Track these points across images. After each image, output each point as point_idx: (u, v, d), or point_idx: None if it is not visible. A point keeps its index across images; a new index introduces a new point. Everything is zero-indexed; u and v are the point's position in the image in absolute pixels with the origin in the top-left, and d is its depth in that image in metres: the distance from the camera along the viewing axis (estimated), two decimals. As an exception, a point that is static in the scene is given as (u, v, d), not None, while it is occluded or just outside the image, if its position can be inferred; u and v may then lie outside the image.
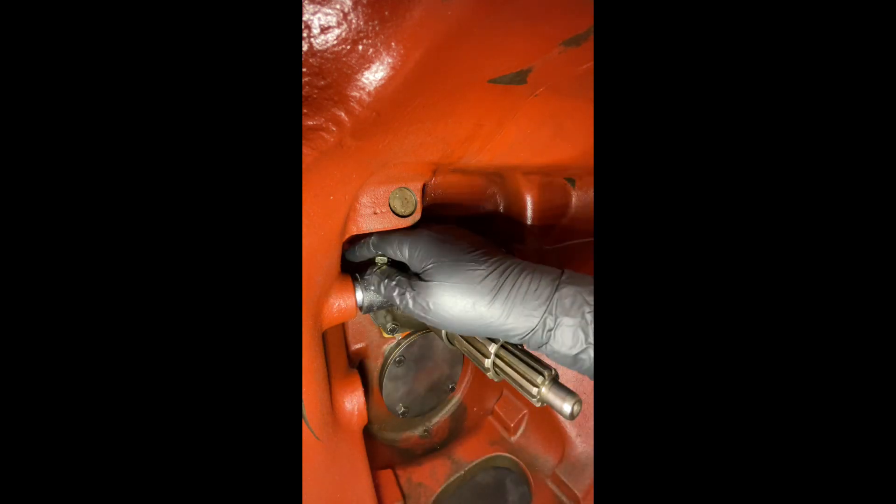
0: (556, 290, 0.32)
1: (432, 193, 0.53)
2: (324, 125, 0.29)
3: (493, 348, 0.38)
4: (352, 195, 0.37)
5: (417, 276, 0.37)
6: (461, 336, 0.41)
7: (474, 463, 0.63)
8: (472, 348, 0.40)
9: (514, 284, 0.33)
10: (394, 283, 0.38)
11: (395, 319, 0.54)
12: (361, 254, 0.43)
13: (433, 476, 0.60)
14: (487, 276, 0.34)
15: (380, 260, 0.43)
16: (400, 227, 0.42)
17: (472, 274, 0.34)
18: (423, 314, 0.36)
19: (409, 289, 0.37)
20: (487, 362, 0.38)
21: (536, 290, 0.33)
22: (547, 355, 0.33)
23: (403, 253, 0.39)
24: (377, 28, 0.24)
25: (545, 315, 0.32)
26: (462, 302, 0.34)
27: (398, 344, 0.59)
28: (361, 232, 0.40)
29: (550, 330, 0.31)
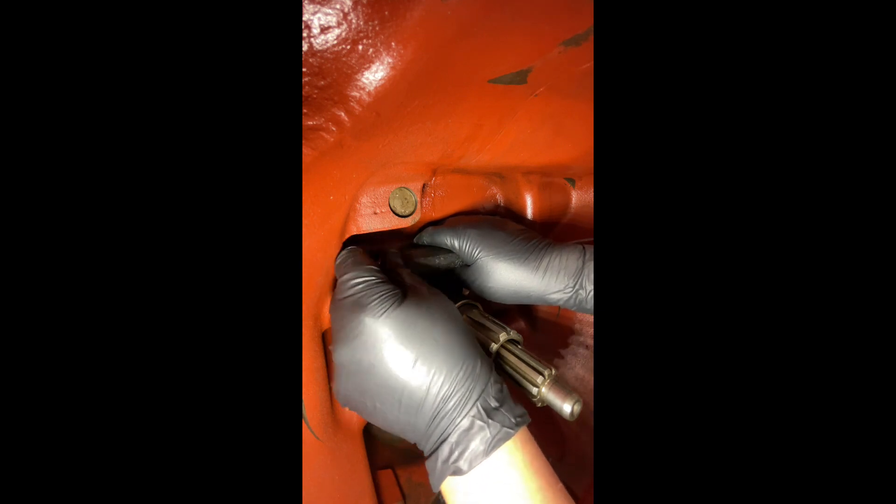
0: (584, 262, 0.40)
1: (432, 193, 0.53)
2: (324, 125, 0.29)
3: (493, 348, 0.38)
4: (351, 195, 0.37)
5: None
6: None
7: (474, 463, 0.63)
8: (472, 348, 0.40)
9: (550, 260, 0.40)
10: (447, 262, 0.44)
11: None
12: (419, 250, 0.44)
13: (433, 476, 0.60)
14: (530, 255, 0.41)
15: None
16: (400, 227, 0.42)
17: (516, 257, 0.41)
18: (471, 288, 0.43)
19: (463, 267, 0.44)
20: (487, 362, 0.38)
21: (568, 263, 0.40)
22: (588, 312, 0.42)
23: (453, 244, 0.43)
24: (377, 28, 0.24)
25: (578, 284, 0.40)
26: (510, 278, 0.41)
27: (398, 344, 0.59)
28: (361, 232, 0.40)
29: (590, 292, 0.39)
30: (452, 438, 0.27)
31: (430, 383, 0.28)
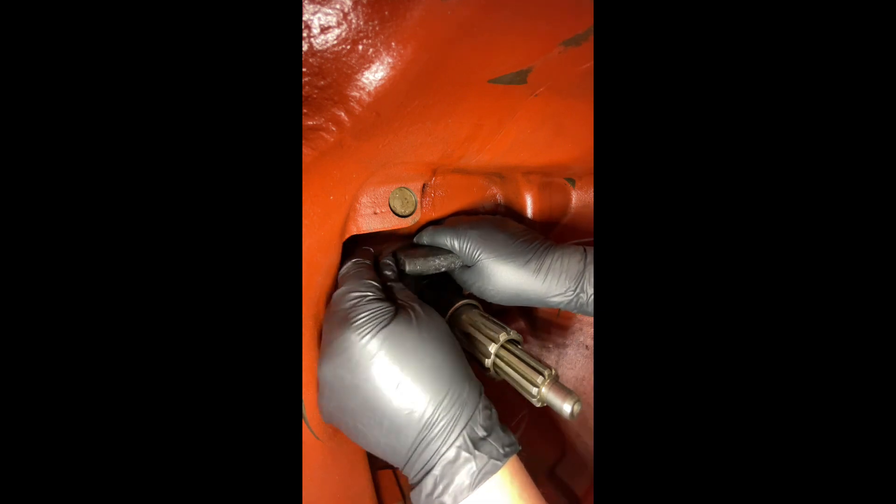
0: (585, 265, 0.39)
1: (432, 193, 0.53)
2: (324, 125, 0.29)
3: (493, 348, 0.38)
4: (351, 195, 0.37)
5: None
6: (459, 336, 0.41)
7: (474, 463, 0.63)
8: (471, 348, 0.40)
9: (551, 263, 0.39)
10: (447, 263, 0.43)
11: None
12: (419, 250, 0.43)
13: (433, 476, 0.60)
14: (531, 257, 0.40)
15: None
16: (400, 227, 0.42)
17: (517, 259, 0.40)
18: (470, 290, 0.43)
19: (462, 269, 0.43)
20: (487, 362, 0.38)
21: (570, 266, 0.39)
22: (589, 315, 0.41)
23: (453, 245, 0.42)
24: (377, 28, 0.24)
25: (579, 287, 0.39)
26: (511, 281, 0.40)
27: (398, 344, 0.59)
28: (361, 232, 0.40)
29: (590, 296, 0.38)
30: (437, 471, 0.26)
31: (413, 407, 0.26)
